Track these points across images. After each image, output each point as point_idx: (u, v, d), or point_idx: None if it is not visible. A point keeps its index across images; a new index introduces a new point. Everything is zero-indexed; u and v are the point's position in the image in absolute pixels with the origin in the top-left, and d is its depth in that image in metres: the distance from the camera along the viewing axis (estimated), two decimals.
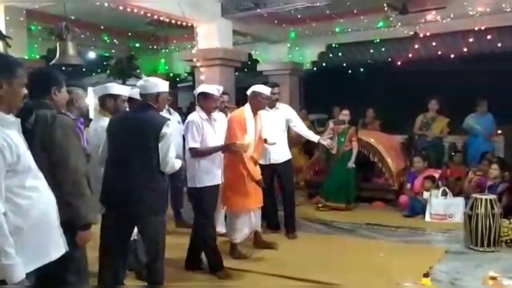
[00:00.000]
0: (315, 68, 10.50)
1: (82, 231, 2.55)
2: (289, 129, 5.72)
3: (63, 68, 5.94)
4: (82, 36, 7.78)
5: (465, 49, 8.84)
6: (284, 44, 9.63)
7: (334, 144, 6.40)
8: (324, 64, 10.76)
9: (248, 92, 4.80)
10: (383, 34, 8.69)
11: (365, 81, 12.05)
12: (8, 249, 1.97)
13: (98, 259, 3.43)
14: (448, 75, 9.85)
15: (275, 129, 5.25)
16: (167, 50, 10.99)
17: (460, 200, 6.01)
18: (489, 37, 8.32)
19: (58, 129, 2.49)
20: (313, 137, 5.67)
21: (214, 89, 4.26)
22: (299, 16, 8.23)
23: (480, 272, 4.16)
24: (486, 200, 4.83)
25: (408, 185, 6.73)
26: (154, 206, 3.29)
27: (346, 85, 11.54)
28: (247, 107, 4.71)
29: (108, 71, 10.43)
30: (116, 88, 4.11)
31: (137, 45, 10.34)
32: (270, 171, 5.34)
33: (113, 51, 10.19)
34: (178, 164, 3.36)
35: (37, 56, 7.99)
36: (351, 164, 6.69)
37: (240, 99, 7.51)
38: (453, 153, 8.00)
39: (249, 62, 9.12)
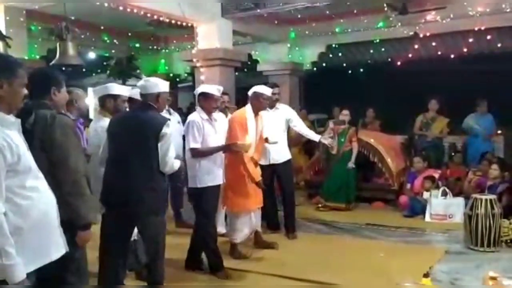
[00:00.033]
0: (315, 68, 10.50)
1: (82, 231, 2.55)
2: (289, 129, 5.72)
3: (63, 68, 5.95)
4: (82, 36, 7.78)
5: (465, 49, 8.84)
6: (284, 44, 9.64)
7: (335, 143, 6.41)
8: (324, 64, 10.76)
9: (249, 92, 4.81)
10: (383, 34, 8.69)
11: (365, 81, 12.05)
12: (9, 249, 1.97)
13: (98, 259, 3.43)
14: (448, 75, 9.85)
15: (275, 129, 5.25)
16: (167, 50, 11.00)
17: (460, 200, 6.01)
18: (489, 37, 8.33)
19: (58, 129, 2.49)
20: (314, 136, 5.67)
21: (215, 89, 4.26)
22: (299, 16, 8.24)
23: (480, 272, 4.16)
24: (486, 200, 4.83)
25: (408, 185, 6.74)
26: (154, 206, 3.29)
27: (346, 85, 11.55)
28: (248, 108, 4.71)
29: (108, 72, 10.44)
30: (116, 88, 4.11)
31: (137, 45, 10.35)
32: (270, 171, 5.35)
33: (113, 51, 10.19)
34: (177, 164, 3.36)
35: (37, 56, 7.99)
36: (351, 164, 6.69)
37: (240, 99, 7.52)
38: (453, 153, 8.01)
39: (249, 62, 9.13)
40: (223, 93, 4.91)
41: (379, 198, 7.08)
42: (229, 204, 4.67)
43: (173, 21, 7.25)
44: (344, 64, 11.63)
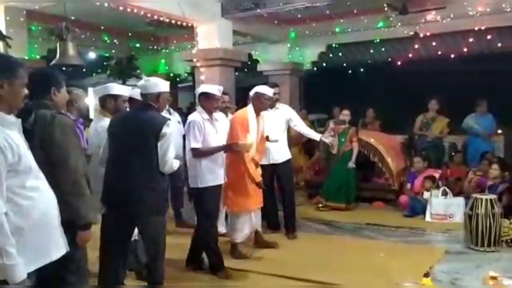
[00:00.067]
0: (315, 68, 10.49)
1: (82, 231, 2.55)
2: (289, 129, 5.73)
3: (63, 69, 5.95)
4: (82, 36, 7.78)
5: (465, 49, 8.83)
6: (284, 44, 9.63)
7: (335, 143, 6.42)
8: (324, 64, 10.76)
9: (251, 93, 4.82)
10: (383, 34, 8.69)
11: (365, 81, 12.05)
12: (10, 249, 1.97)
13: (98, 259, 3.44)
14: (448, 75, 9.85)
15: (275, 129, 5.25)
16: (167, 50, 10.99)
17: (460, 200, 6.01)
18: (489, 37, 8.32)
19: (58, 129, 2.50)
20: (314, 135, 5.68)
21: (216, 89, 4.26)
22: (299, 16, 8.23)
23: (481, 272, 4.17)
24: (486, 200, 4.83)
25: (408, 185, 6.74)
26: (154, 206, 3.29)
27: (346, 85, 11.55)
28: (249, 108, 4.72)
29: (108, 72, 10.43)
30: (117, 88, 4.11)
31: (137, 45, 10.34)
32: (271, 171, 5.35)
33: (113, 51, 10.18)
34: (176, 164, 3.36)
35: (37, 57, 7.98)
36: (351, 164, 6.70)
37: (240, 99, 7.52)
38: (453, 153, 8.01)
39: (249, 62, 9.11)
40: (224, 93, 4.91)
41: (379, 198, 7.08)
42: (229, 204, 4.67)
43: (173, 21, 7.24)
44: (344, 64, 11.63)
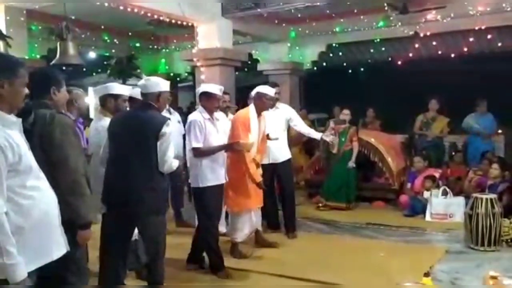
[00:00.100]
0: (315, 68, 10.49)
1: (82, 230, 2.56)
2: (289, 129, 5.72)
3: (64, 68, 5.95)
4: (83, 36, 7.79)
5: (465, 49, 8.84)
6: (284, 44, 9.63)
7: (335, 142, 6.42)
8: (324, 64, 10.76)
9: (253, 93, 4.82)
10: (383, 33, 8.69)
11: (365, 81, 12.05)
12: (10, 249, 1.97)
13: (99, 259, 3.44)
14: (448, 75, 9.84)
15: (275, 129, 5.24)
16: (167, 50, 10.99)
17: (461, 200, 6.01)
18: (489, 36, 8.33)
19: (57, 128, 2.50)
20: (315, 134, 5.69)
21: (217, 89, 4.26)
22: (299, 15, 8.23)
23: (481, 271, 4.17)
24: (486, 199, 4.83)
25: (409, 185, 6.74)
26: (154, 206, 3.29)
27: (346, 84, 11.54)
28: (251, 108, 4.73)
29: (108, 71, 10.42)
30: (117, 88, 4.11)
31: (138, 44, 10.34)
32: (271, 170, 5.35)
33: (113, 51, 10.18)
34: (175, 164, 3.35)
35: (38, 56, 7.99)
36: (351, 163, 6.70)
37: (240, 99, 7.52)
38: (453, 153, 8.01)
39: (249, 62, 9.12)
40: (224, 93, 4.92)
41: (379, 198, 7.08)
42: (230, 203, 4.66)
43: (173, 21, 7.24)
44: (345, 64, 11.63)
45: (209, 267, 4.32)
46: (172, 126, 3.54)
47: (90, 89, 8.34)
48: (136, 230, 3.49)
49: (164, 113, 4.20)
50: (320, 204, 6.83)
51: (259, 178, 4.56)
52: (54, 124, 2.49)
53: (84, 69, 10.48)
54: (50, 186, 2.29)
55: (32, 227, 2.12)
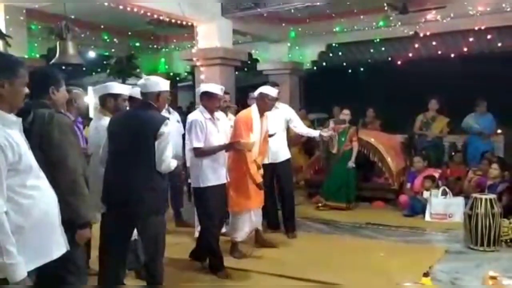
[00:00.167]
0: (315, 68, 10.49)
1: (81, 230, 2.56)
2: (288, 129, 5.73)
3: (63, 67, 5.94)
4: (82, 35, 7.77)
5: (465, 49, 8.84)
6: (284, 44, 9.63)
7: (335, 142, 6.42)
8: (324, 64, 10.75)
9: (255, 93, 4.83)
10: (383, 33, 8.68)
11: (365, 80, 12.04)
12: (10, 248, 1.97)
13: (98, 258, 3.44)
14: (448, 75, 9.85)
15: (274, 129, 5.25)
16: (167, 50, 10.99)
17: (460, 200, 6.01)
18: (489, 36, 8.33)
19: (56, 128, 2.49)
20: (313, 133, 5.73)
21: (218, 89, 4.26)
22: (299, 15, 8.24)
23: (480, 271, 4.17)
24: (486, 199, 4.83)
25: (408, 185, 6.74)
26: (154, 206, 3.28)
27: (346, 84, 11.54)
28: (254, 108, 4.74)
29: (108, 70, 10.41)
30: (117, 87, 4.10)
31: (137, 44, 10.33)
32: (270, 170, 5.35)
33: (113, 50, 10.17)
34: (174, 163, 3.34)
35: (37, 55, 7.98)
36: (351, 163, 6.70)
37: (240, 99, 7.52)
38: (453, 153, 8.01)
39: (249, 62, 9.11)
40: (225, 93, 4.92)
41: (379, 198, 7.08)
42: (230, 203, 4.65)
43: (173, 20, 7.24)
44: (344, 64, 11.63)
45: (209, 267, 4.32)
46: (171, 126, 3.54)
47: (90, 88, 8.32)
48: (135, 230, 3.49)
49: (164, 113, 4.20)
50: (320, 204, 6.83)
51: (259, 179, 4.55)
52: (52, 124, 2.49)
53: (84, 69, 10.48)
54: (50, 186, 2.28)
55: (32, 226, 2.12)
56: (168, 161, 3.25)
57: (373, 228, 5.85)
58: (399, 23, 8.17)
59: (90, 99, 6.70)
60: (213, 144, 4.15)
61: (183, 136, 5.17)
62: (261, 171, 4.71)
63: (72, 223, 2.46)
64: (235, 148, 4.29)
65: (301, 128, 5.70)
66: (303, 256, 4.76)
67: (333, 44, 9.78)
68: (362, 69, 12.05)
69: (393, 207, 6.81)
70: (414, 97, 8.24)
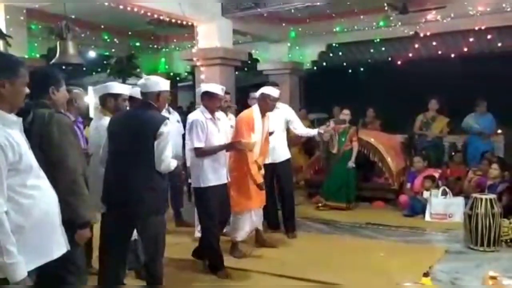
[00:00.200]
0: (315, 68, 10.49)
1: (80, 230, 2.56)
2: (288, 129, 5.73)
3: (63, 67, 5.94)
4: (82, 35, 7.77)
5: (465, 49, 8.84)
6: (284, 44, 9.63)
7: (335, 142, 6.41)
8: (324, 64, 10.75)
9: (257, 93, 4.83)
10: (383, 33, 8.69)
11: (365, 80, 12.04)
12: (10, 248, 1.97)
13: (98, 258, 3.44)
14: (448, 75, 9.85)
15: (274, 128, 5.25)
16: (167, 49, 10.99)
17: (460, 200, 6.01)
18: (489, 36, 8.33)
19: (55, 128, 2.49)
20: (312, 132, 5.74)
21: (219, 89, 4.26)
22: (299, 15, 8.24)
23: (480, 271, 4.17)
24: (486, 199, 4.83)
25: (408, 185, 6.74)
26: (154, 206, 3.28)
27: (346, 84, 11.53)
28: (255, 108, 4.74)
29: (108, 70, 10.42)
30: (117, 87, 4.10)
31: (138, 44, 10.34)
32: (270, 170, 5.35)
33: (113, 50, 10.18)
34: (173, 163, 3.34)
35: (38, 55, 7.98)
36: (351, 163, 6.70)
37: (240, 99, 7.52)
38: (453, 153, 8.01)
39: (249, 62, 9.12)
40: (226, 93, 4.92)
41: (379, 198, 7.09)
42: (231, 203, 4.66)
43: (173, 20, 7.24)
44: (344, 64, 11.63)
45: (209, 267, 4.32)
46: (171, 126, 3.54)
47: (90, 88, 8.33)
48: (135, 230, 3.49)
49: (164, 113, 4.19)
50: (320, 204, 6.83)
51: (260, 180, 4.55)
52: (52, 124, 2.49)
53: (84, 69, 10.49)
54: (50, 185, 2.28)
55: (33, 226, 2.12)
56: (168, 161, 3.25)
57: (373, 228, 5.86)
58: (399, 23, 8.18)
59: (90, 99, 6.69)
60: (214, 144, 4.15)
61: (183, 136, 5.17)
62: (262, 171, 4.71)
63: (72, 223, 2.46)
64: (236, 148, 4.29)
65: (301, 129, 5.71)
66: (303, 256, 4.76)
67: (333, 44, 9.78)
68: (362, 69, 12.05)
69: (393, 207, 6.81)
70: (414, 97, 8.24)
